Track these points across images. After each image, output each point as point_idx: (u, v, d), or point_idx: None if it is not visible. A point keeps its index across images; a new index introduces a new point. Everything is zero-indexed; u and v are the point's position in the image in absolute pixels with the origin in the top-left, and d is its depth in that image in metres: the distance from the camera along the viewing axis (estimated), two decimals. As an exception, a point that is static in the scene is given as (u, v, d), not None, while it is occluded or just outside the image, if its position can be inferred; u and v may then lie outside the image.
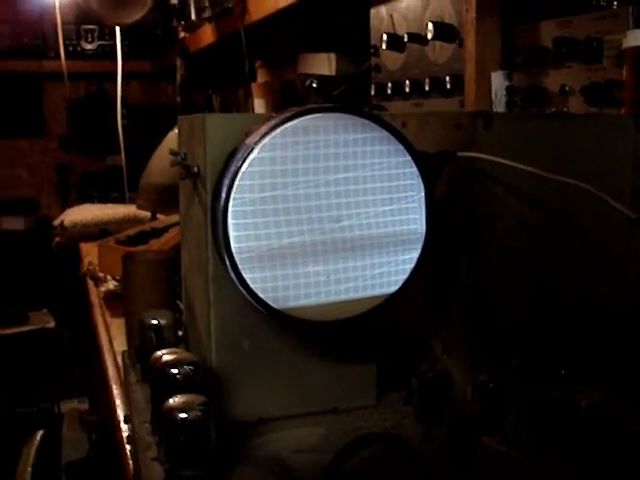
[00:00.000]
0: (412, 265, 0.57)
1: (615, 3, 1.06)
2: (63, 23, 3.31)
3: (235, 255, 0.53)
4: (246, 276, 0.53)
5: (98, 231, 1.99)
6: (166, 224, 1.68)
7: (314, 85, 2.02)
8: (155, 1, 2.27)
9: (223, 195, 0.52)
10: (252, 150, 0.51)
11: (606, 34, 1.04)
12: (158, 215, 1.95)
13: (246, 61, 2.10)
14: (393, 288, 0.57)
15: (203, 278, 0.61)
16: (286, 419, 0.66)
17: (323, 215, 0.53)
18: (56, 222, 2.09)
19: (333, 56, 1.94)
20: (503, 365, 0.60)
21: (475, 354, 0.63)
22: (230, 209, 0.52)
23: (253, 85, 2.44)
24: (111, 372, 1.03)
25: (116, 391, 0.96)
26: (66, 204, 3.65)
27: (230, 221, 0.52)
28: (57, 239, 2.00)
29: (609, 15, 1.05)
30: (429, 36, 1.36)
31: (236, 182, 0.52)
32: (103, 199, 3.27)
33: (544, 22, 1.14)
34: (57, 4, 2.76)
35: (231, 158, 0.53)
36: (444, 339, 0.66)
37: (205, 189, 0.57)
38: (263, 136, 0.52)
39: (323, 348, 0.65)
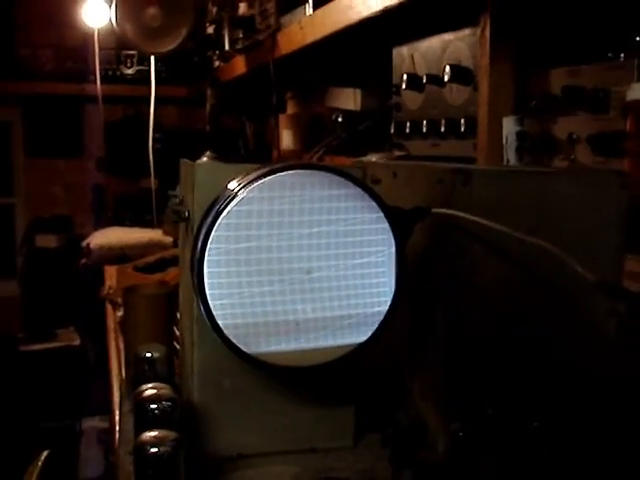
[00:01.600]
0: (381, 317, 0.59)
1: (622, 55, 1.08)
2: (104, 48, 3.41)
3: (209, 301, 0.56)
4: (219, 321, 0.56)
5: (122, 255, 2.04)
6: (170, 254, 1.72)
7: (339, 119, 2.06)
8: (189, 32, 2.32)
9: (199, 244, 0.55)
10: (230, 202, 0.54)
11: (613, 85, 1.06)
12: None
13: (274, 93, 2.14)
14: (362, 338, 0.59)
15: (189, 318, 0.64)
16: (264, 456, 0.68)
17: (294, 266, 0.55)
18: (83, 243, 2.15)
19: (359, 92, 1.98)
20: (477, 414, 0.62)
21: (450, 401, 0.64)
22: (206, 258, 0.55)
23: (281, 116, 2.48)
24: (115, 398, 1.06)
25: (117, 417, 0.99)
26: (99, 224, 3.73)
27: (205, 269, 0.55)
28: (83, 260, 2.06)
29: (616, 66, 1.06)
30: (446, 78, 1.39)
31: (213, 232, 0.55)
32: (135, 221, 3.33)
33: (555, 70, 1.16)
34: (96, 32, 2.85)
35: (211, 208, 0.56)
36: (422, 384, 0.68)
37: (191, 233, 0.60)
38: (241, 189, 0.54)
39: (298, 390, 0.68)
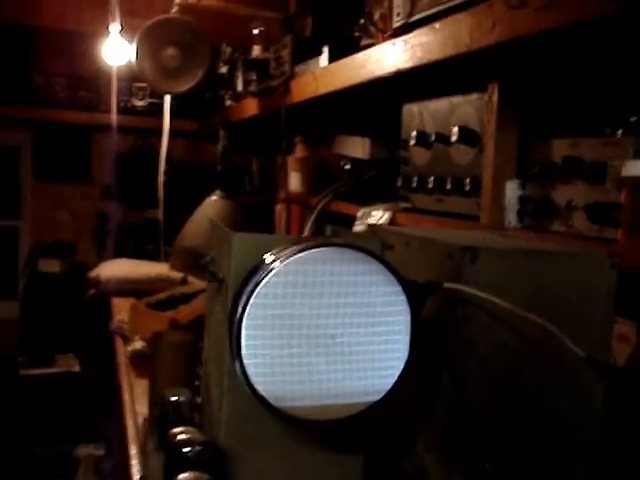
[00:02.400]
0: (394, 378, 0.65)
1: (619, 131, 1.16)
2: (117, 80, 3.50)
3: (244, 359, 0.62)
4: (252, 378, 0.62)
5: (130, 288, 2.10)
6: (195, 290, 1.78)
7: (347, 167, 2.13)
8: (205, 74, 2.41)
9: (239, 309, 0.61)
10: (268, 274, 0.61)
11: (610, 159, 1.13)
12: (189, 278, 2.06)
13: (284, 137, 2.22)
14: (377, 397, 0.65)
15: (219, 369, 0.70)
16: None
17: (320, 332, 0.62)
18: (92, 274, 2.21)
19: (367, 141, 2.06)
20: (475, 467, 0.68)
21: (452, 454, 0.70)
22: (244, 322, 0.61)
23: (290, 158, 2.56)
24: (131, 432, 1.12)
25: (133, 451, 1.05)
26: (102, 251, 3.80)
27: (243, 331, 0.61)
28: (92, 291, 2.12)
29: (613, 142, 1.14)
30: (453, 139, 1.47)
31: (252, 299, 0.61)
32: (138, 250, 3.40)
33: (557, 140, 1.23)
34: (114, 69, 2.94)
35: (250, 277, 0.63)
36: (426, 437, 0.74)
37: (227, 296, 0.67)
38: (278, 262, 0.61)
39: (314, 438, 0.74)
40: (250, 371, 0.61)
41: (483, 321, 0.66)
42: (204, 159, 3.89)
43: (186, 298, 1.71)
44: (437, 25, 1.31)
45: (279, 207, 2.59)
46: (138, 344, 1.53)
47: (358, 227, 1.77)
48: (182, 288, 1.79)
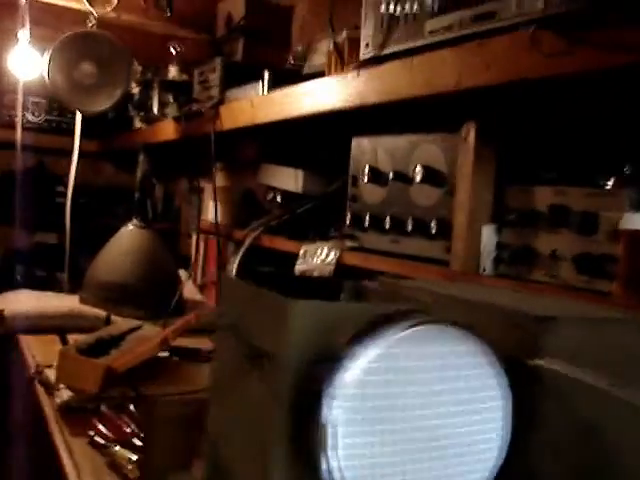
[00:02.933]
0: (490, 468, 0.56)
1: (609, 182, 1.12)
2: (10, 92, 3.24)
3: (341, 460, 0.50)
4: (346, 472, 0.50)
5: (42, 325, 1.90)
6: (122, 331, 1.62)
7: (277, 199, 2.03)
8: (124, 93, 2.25)
9: (325, 403, 0.50)
10: (361, 358, 0.50)
11: (602, 209, 1.09)
12: (112, 317, 1.89)
13: (214, 165, 2.10)
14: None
15: (258, 460, 0.58)
16: None
17: (417, 424, 0.52)
18: (-8, 308, 1.99)
19: (300, 173, 1.96)
20: None
21: None
22: (336, 415, 0.50)
23: (209, 186, 2.43)
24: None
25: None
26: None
27: (340, 428, 0.50)
28: (-6, 328, 1.90)
29: (606, 194, 1.10)
30: (417, 179, 1.40)
31: (345, 389, 0.50)
32: (27, 277, 3.15)
33: (540, 187, 1.18)
34: (21, 83, 2.71)
35: (331, 362, 0.51)
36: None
37: (279, 377, 0.55)
38: (378, 342, 0.50)
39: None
40: (347, 475, 0.50)
41: (562, 400, 0.58)
42: (99, 181, 3.67)
43: (115, 340, 1.55)
44: (414, 60, 1.24)
45: (196, 238, 2.45)
46: (65, 394, 1.36)
47: (300, 267, 1.68)
48: (108, 329, 1.63)
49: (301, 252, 1.69)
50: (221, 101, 2.05)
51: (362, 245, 1.58)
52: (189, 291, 2.28)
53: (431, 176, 1.38)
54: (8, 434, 1.74)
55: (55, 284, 3.09)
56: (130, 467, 1.07)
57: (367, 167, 1.54)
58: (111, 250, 2.11)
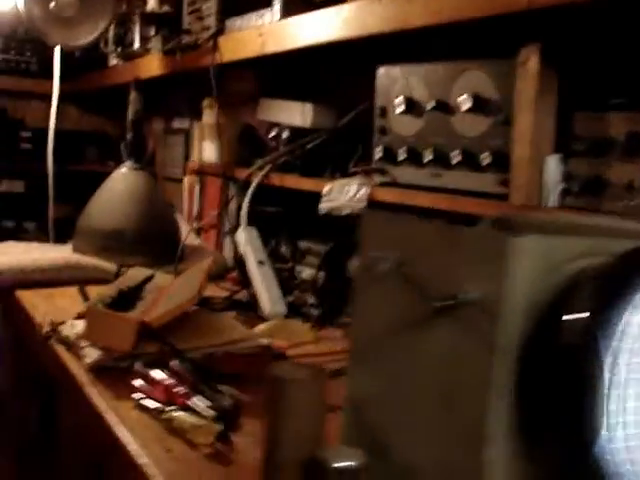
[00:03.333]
0: None
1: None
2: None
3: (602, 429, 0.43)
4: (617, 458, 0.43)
5: (35, 279, 1.78)
6: (138, 281, 1.52)
7: (283, 136, 1.92)
8: (107, 26, 2.09)
9: (606, 359, 0.42)
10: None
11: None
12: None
13: (214, 100, 1.97)
14: None
15: (465, 434, 0.50)
16: None
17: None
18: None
19: (309, 106, 1.86)
20: None
21: None
22: (615, 379, 0.42)
23: (199, 124, 2.30)
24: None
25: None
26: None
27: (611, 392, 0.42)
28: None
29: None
30: (463, 107, 1.32)
31: (623, 344, 0.42)
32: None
33: (614, 113, 1.11)
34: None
35: (595, 310, 0.44)
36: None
37: (498, 328, 0.47)
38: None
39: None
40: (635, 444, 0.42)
41: None
42: (66, 125, 3.47)
43: (136, 292, 1.45)
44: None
45: (189, 179, 2.33)
46: (93, 353, 1.25)
47: (327, 204, 1.59)
48: (123, 280, 1.52)
49: (325, 189, 1.60)
50: (220, 31, 1.91)
51: (395, 180, 1.50)
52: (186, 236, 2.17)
53: (480, 105, 1.30)
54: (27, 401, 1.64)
55: (24, 234, 2.93)
56: (195, 432, 0.99)
57: (402, 97, 1.45)
58: (105, 195, 1.98)
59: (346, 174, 1.65)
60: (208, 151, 2.20)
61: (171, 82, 2.54)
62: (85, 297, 1.53)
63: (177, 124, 2.89)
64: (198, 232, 2.25)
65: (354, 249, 1.66)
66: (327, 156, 1.81)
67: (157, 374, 1.14)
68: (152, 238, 1.95)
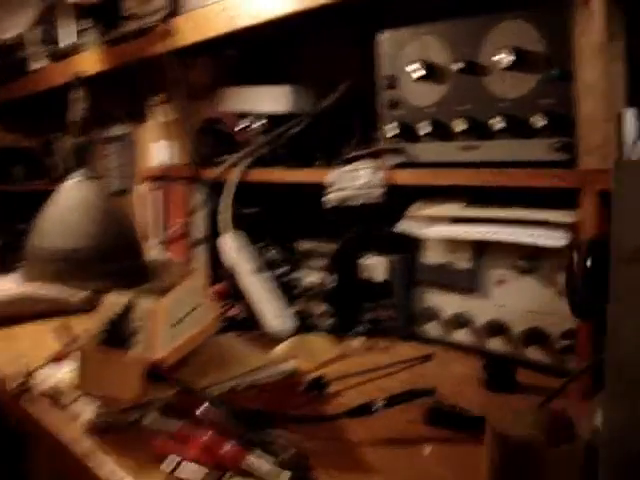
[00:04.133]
0: None
1: None
2: None
3: None
4: None
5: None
6: (121, 309, 1.27)
7: (254, 126, 1.68)
8: (40, 14, 1.80)
9: None
10: None
11: None
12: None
13: (172, 95, 1.72)
14: None
15: None
16: None
17: None
18: None
19: (288, 89, 1.63)
20: None
21: None
22: None
23: (149, 125, 2.04)
24: None
25: None
26: None
27: None
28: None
29: None
30: (502, 65, 1.12)
31: None
32: None
33: None
34: None
35: None
36: None
37: None
38: None
39: None
40: None
41: None
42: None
43: (120, 327, 1.19)
44: None
45: (142, 189, 2.06)
46: (89, 407, 0.99)
47: (336, 195, 1.37)
48: (106, 309, 1.26)
49: (331, 178, 1.38)
50: (173, 12, 1.67)
51: (413, 160, 1.29)
52: (150, 250, 1.92)
53: (523, 60, 1.11)
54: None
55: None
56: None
57: (418, 62, 1.24)
58: (54, 212, 1.70)
59: (347, 160, 1.43)
60: (164, 153, 1.94)
61: (103, 86, 2.26)
62: (68, 334, 1.26)
63: (115, 131, 2.61)
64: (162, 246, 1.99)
65: (365, 245, 1.46)
66: (314, 143, 1.59)
67: (186, 429, 0.89)
68: (117, 256, 1.69)
